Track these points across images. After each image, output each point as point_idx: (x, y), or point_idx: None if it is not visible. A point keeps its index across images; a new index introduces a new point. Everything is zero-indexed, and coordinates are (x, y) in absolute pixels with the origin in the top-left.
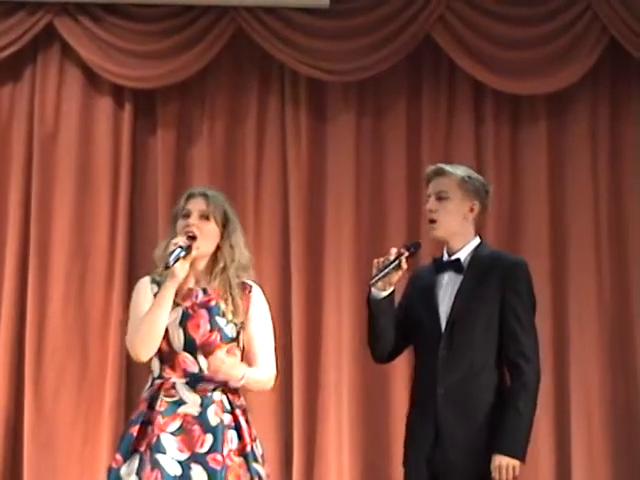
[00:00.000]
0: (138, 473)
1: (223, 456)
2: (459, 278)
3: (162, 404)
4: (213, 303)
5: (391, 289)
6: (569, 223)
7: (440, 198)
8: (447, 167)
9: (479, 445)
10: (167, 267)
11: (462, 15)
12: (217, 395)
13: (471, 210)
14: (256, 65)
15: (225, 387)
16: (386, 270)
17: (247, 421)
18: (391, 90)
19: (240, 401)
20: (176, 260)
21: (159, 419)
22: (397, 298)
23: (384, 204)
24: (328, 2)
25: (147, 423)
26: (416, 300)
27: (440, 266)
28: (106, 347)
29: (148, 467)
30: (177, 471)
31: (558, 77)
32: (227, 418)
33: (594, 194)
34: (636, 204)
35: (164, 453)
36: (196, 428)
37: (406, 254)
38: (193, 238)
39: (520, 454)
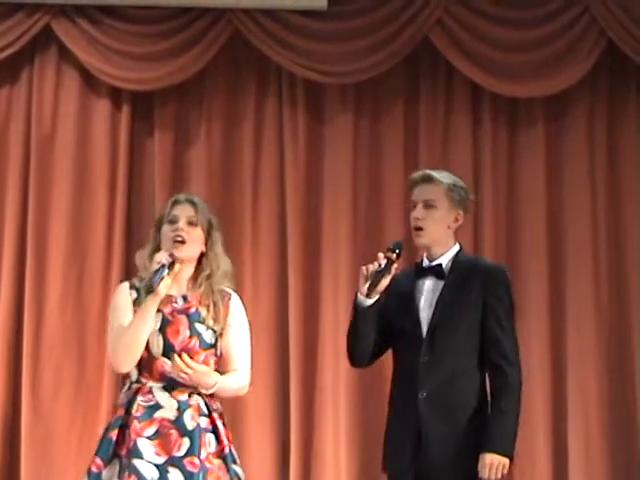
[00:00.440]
0: (120, 477)
1: (200, 459)
2: (440, 284)
3: (139, 409)
4: (193, 310)
5: (377, 296)
6: (567, 225)
7: (428, 206)
8: (434, 174)
9: (463, 446)
10: (151, 290)
11: (460, 18)
12: (194, 399)
13: (456, 220)
14: (253, 67)
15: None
16: (379, 277)
17: (224, 424)
18: (389, 92)
19: (217, 405)
20: (160, 280)
21: (135, 424)
22: None
23: (381, 206)
24: (326, 4)
25: (125, 427)
26: (394, 305)
27: (420, 271)
28: (103, 347)
29: (126, 473)
30: (154, 475)
31: (556, 80)
32: (204, 422)
33: (592, 197)
34: (634, 207)
35: (141, 458)
36: (173, 432)
37: (394, 257)
38: (182, 242)
39: (509, 452)
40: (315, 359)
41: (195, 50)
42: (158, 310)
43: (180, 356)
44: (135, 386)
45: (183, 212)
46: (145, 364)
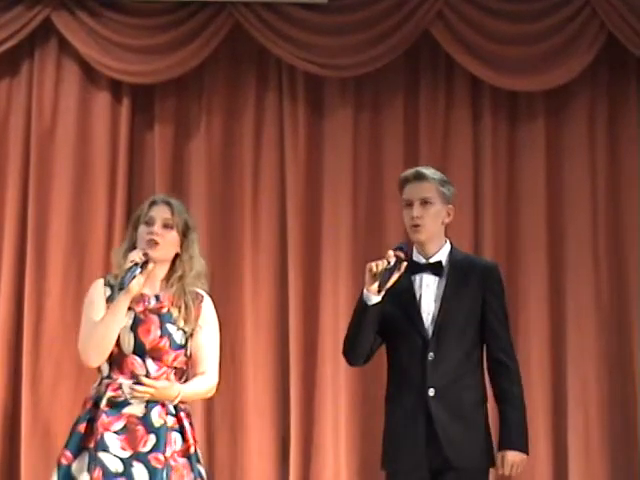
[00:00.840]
0: (89, 470)
1: (165, 456)
2: (439, 281)
3: (108, 404)
4: (165, 310)
5: (383, 294)
6: (567, 220)
7: (424, 203)
8: (426, 171)
9: (476, 441)
10: (122, 287)
11: (460, 11)
12: None
13: (448, 215)
14: (254, 60)
15: None
16: (388, 275)
17: (191, 424)
18: (389, 86)
19: (184, 405)
20: (132, 279)
21: (103, 417)
22: None
23: (381, 200)
24: None
25: (93, 420)
26: (392, 302)
27: (416, 268)
28: None
29: (92, 465)
30: (119, 468)
31: (556, 74)
32: (171, 420)
33: (592, 191)
34: (634, 201)
35: (107, 451)
36: (140, 428)
37: (403, 256)
38: (155, 244)
39: (527, 448)
40: (315, 354)
41: (195, 43)
42: (130, 308)
43: (140, 382)
44: (106, 381)
45: (159, 214)
46: (116, 360)
